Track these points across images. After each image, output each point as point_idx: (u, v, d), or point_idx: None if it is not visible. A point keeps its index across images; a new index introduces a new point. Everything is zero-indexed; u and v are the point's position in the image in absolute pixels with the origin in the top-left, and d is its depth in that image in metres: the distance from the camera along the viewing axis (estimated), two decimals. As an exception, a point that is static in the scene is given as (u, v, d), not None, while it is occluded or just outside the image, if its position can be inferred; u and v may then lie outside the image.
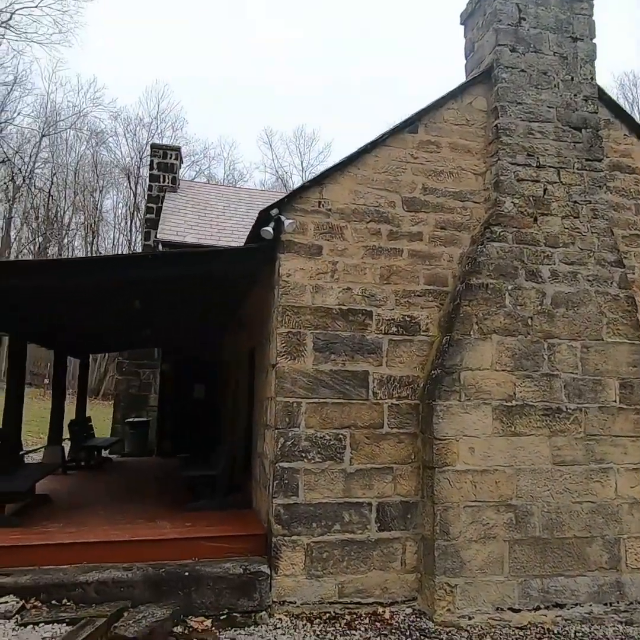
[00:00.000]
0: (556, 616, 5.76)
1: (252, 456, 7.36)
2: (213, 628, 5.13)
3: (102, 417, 18.10)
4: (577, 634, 5.56)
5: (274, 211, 5.87)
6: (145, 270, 5.90)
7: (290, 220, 5.83)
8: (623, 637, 5.56)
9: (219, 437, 11.39)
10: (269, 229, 5.80)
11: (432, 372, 5.97)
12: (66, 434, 11.50)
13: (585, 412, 6.11)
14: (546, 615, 5.75)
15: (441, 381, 5.83)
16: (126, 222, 39.02)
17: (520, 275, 6.18)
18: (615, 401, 6.21)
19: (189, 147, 38.14)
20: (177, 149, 16.44)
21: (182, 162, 18.33)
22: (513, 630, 5.53)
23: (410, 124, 6.43)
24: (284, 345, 5.86)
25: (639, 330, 6.42)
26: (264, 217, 5.94)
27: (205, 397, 13.54)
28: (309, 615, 5.47)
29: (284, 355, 5.85)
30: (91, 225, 37.52)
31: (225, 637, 4.97)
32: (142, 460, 12.65)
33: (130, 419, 13.90)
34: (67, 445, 11.36)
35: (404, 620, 5.53)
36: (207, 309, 9.05)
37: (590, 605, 5.86)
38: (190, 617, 5.20)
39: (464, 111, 6.63)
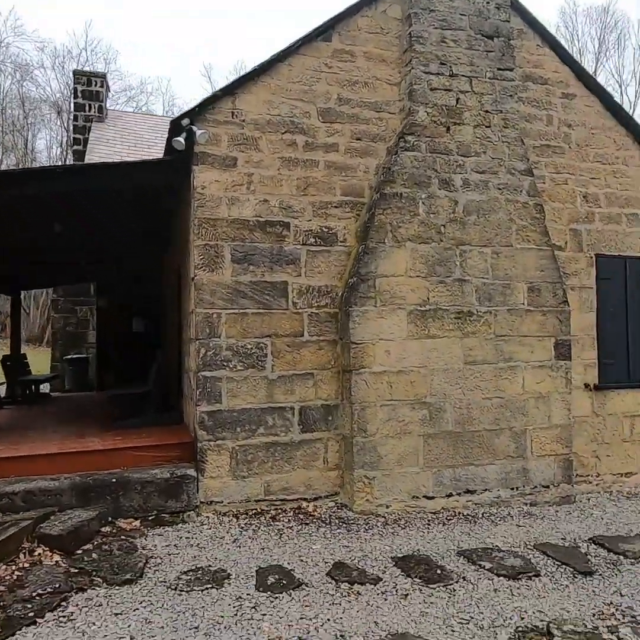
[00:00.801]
0: (467, 501, 6.25)
1: (182, 373, 7.49)
2: (141, 527, 5.35)
3: (45, 360, 17.84)
4: (484, 514, 6.06)
5: (185, 121, 5.79)
6: (53, 182, 5.77)
7: (202, 131, 5.76)
8: (526, 515, 6.10)
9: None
10: (181, 139, 5.73)
11: (349, 280, 6.15)
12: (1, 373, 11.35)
13: (495, 314, 6.45)
14: (458, 501, 6.22)
15: (357, 288, 6.03)
16: (62, 163, 37.23)
17: (433, 184, 6.33)
18: (523, 304, 6.56)
19: (124, 82, 36.30)
20: (103, 76, 15.63)
21: (109, 90, 17.51)
22: (427, 514, 5.98)
23: (323, 32, 6.35)
24: (201, 257, 5.91)
25: (546, 236, 6.73)
26: (175, 127, 5.84)
27: (145, 330, 13.48)
28: (235, 512, 5.77)
29: (202, 267, 5.90)
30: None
31: (153, 534, 5.20)
32: (81, 395, 12.64)
33: (69, 356, 13.78)
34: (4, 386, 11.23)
35: (326, 512, 5.90)
36: (135, 233, 8.93)
37: (499, 490, 6.37)
38: (118, 519, 5.40)
39: (379, 19, 6.57)
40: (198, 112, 5.90)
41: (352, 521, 5.67)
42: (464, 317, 6.33)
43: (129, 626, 3.53)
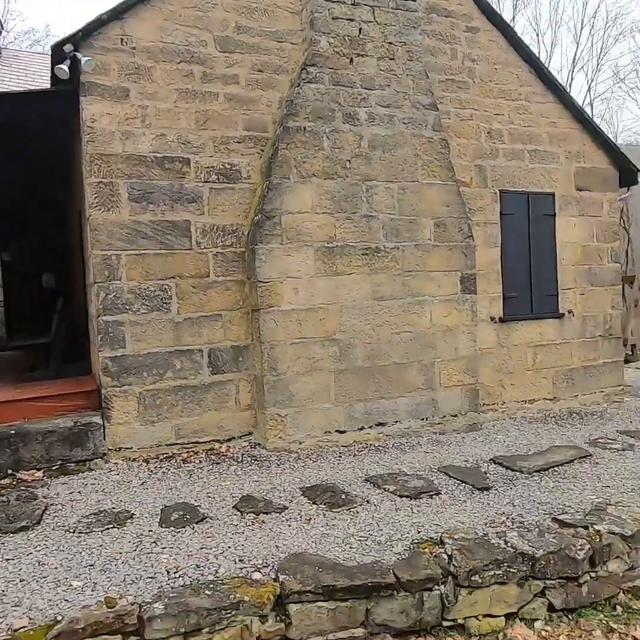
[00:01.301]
0: (379, 433, 6.41)
1: (88, 322, 7.19)
2: (45, 477, 5.18)
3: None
4: (395, 445, 6.24)
5: (68, 47, 5.36)
6: None
7: (88, 58, 5.36)
8: (435, 442, 6.33)
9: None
10: (64, 67, 5.31)
11: (255, 218, 6.01)
12: None
13: (403, 250, 6.50)
14: (370, 434, 6.37)
15: (262, 226, 5.90)
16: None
17: (337, 118, 6.21)
18: (430, 239, 6.64)
19: (27, 24, 33.47)
20: (-8, 11, 14.32)
21: (3, 28, 16.09)
22: (339, 448, 6.09)
23: (217, -47, 5.98)
24: (96, 196, 5.58)
25: (451, 172, 6.78)
26: (57, 53, 5.41)
27: (57, 285, 12.84)
28: (146, 457, 5.67)
29: (97, 207, 5.59)
30: None
31: (56, 484, 5.04)
32: (-11, 354, 11.99)
33: (-26, 316, 12.98)
34: None
35: (240, 451, 5.91)
36: (33, 176, 8.36)
37: (409, 421, 6.57)
38: (19, 471, 5.20)
39: (277, -59, 6.24)
40: (82, 38, 5.46)
41: (264, 458, 5.70)
42: (372, 253, 6.35)
43: (20, 570, 3.41)
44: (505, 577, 3.50)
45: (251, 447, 6.02)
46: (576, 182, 7.96)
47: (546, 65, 8.37)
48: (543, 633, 3.50)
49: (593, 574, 3.81)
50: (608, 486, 4.86)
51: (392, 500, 4.55)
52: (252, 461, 5.62)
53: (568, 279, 7.93)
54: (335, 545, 3.73)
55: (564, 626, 3.60)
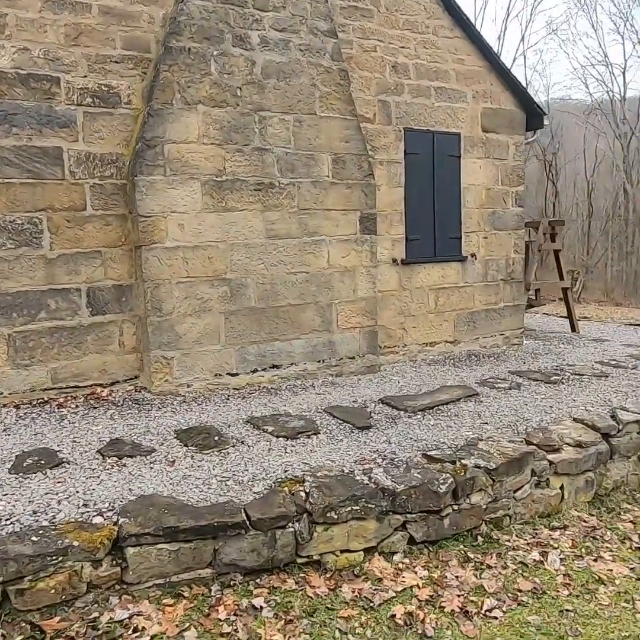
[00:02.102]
0: (273, 376, 6.28)
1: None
2: None
3: None
4: (289, 387, 6.13)
5: None
6: None
7: None
8: (329, 385, 6.26)
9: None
10: None
11: (136, 146, 5.56)
12: None
13: (298, 186, 6.23)
14: (263, 376, 6.23)
15: (143, 155, 5.47)
16: None
17: (226, 40, 5.76)
18: (328, 176, 6.39)
19: None
20: None
21: None
22: (229, 391, 5.93)
23: None
24: (-52, 116, 5.00)
25: (351, 105, 6.50)
26: None
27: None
28: (17, 402, 5.32)
29: (-50, 128, 5.01)
30: None
31: None
32: None
33: None
34: None
35: (122, 395, 5.64)
36: None
37: (305, 363, 6.46)
38: None
39: None
40: None
41: (147, 402, 5.47)
42: (265, 189, 6.05)
43: None
44: (363, 513, 3.45)
45: (136, 391, 5.76)
46: (483, 123, 7.84)
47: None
48: (400, 565, 3.51)
49: (456, 507, 3.84)
50: (486, 423, 4.93)
51: (267, 441, 4.44)
52: (133, 405, 5.37)
53: (472, 222, 7.91)
54: (194, 486, 3.58)
55: (423, 558, 3.63)
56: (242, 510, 3.22)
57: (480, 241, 8.01)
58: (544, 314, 12.54)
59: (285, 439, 4.47)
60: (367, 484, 3.64)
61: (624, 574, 3.59)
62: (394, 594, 3.21)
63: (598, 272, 25.79)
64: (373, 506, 3.49)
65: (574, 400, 5.59)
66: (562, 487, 4.39)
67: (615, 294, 21.84)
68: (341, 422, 4.92)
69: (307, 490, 3.47)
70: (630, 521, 4.37)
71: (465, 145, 7.72)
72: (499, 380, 6.33)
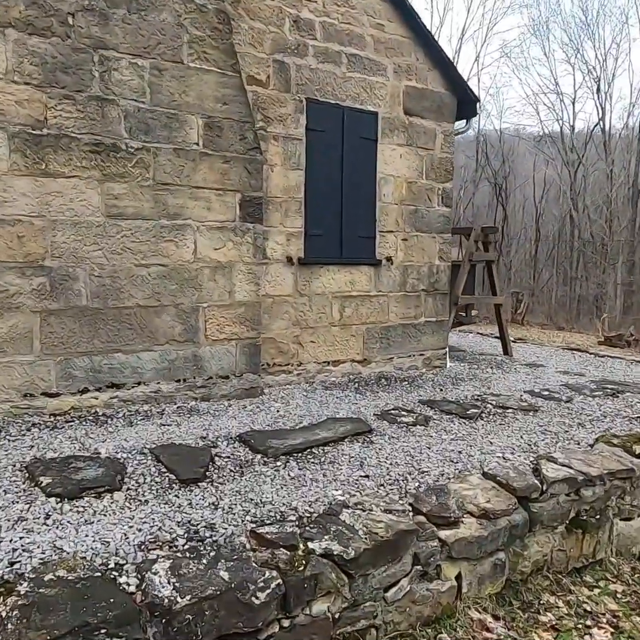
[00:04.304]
0: (111, 398, 4.78)
1: None
2: None
3: None
4: (128, 413, 4.64)
5: None
6: None
7: None
8: (186, 411, 4.81)
9: None
10: None
11: None
12: None
13: (155, 153, 4.81)
14: (98, 398, 4.73)
15: None
16: None
17: (55, -52, 4.32)
18: (197, 144, 4.99)
19: None
20: None
21: None
22: (44, 417, 4.41)
23: None
24: None
25: (233, 59, 5.14)
26: None
27: None
28: None
29: None
30: None
31: None
32: None
33: None
34: None
35: None
36: None
37: (159, 383, 4.99)
38: None
39: None
40: None
41: None
42: (107, 151, 4.60)
43: None
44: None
45: None
46: (405, 104, 6.62)
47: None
48: None
49: (286, 623, 2.45)
50: (367, 476, 3.57)
51: (27, 503, 2.95)
52: None
53: (389, 220, 6.65)
54: None
55: None
56: None
57: (398, 243, 6.75)
58: (479, 333, 11.44)
59: (58, 500, 2.99)
60: (131, 593, 2.21)
61: None
62: None
63: (543, 296, 25.39)
64: (115, 643, 2.04)
65: (490, 442, 4.32)
66: (458, 577, 3.06)
67: (559, 317, 21.24)
68: (163, 471, 3.48)
69: (4, 614, 2.00)
70: (552, 626, 3.08)
71: (383, 127, 6.46)
72: (403, 413, 5.02)
